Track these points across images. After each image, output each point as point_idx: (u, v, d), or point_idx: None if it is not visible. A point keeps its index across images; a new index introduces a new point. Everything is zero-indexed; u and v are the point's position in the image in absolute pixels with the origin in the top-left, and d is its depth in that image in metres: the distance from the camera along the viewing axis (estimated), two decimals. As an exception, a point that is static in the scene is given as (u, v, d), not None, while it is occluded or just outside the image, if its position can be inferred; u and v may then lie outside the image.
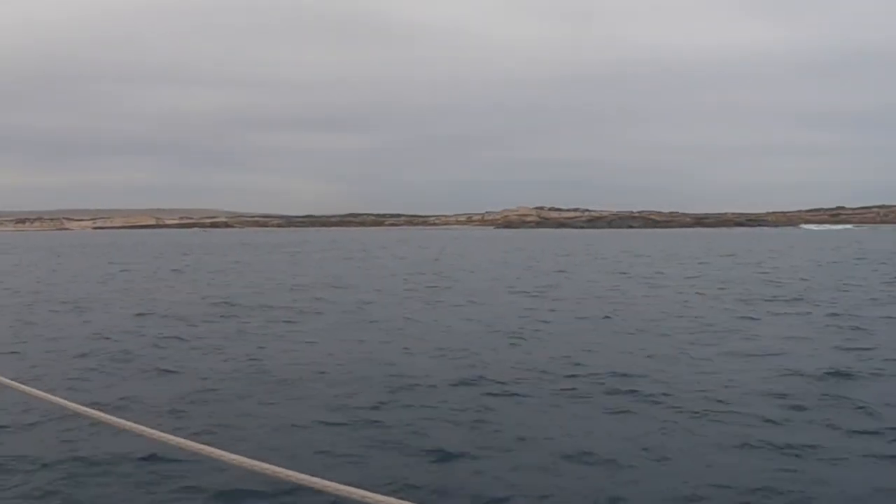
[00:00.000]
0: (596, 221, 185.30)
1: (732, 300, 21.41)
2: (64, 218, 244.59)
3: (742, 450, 7.75)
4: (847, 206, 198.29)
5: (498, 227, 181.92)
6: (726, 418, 8.90)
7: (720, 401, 9.65)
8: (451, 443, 8.01)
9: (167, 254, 59.43)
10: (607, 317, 17.89)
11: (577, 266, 39.64)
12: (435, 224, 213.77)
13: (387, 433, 8.40)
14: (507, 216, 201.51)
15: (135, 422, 3.86)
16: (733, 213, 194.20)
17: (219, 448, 3.38)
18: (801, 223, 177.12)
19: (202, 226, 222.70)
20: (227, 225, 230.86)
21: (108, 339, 15.00)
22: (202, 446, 3.43)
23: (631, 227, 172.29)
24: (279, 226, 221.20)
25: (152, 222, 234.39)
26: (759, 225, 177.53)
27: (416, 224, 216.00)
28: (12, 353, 13.61)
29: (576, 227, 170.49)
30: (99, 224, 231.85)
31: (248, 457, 3.22)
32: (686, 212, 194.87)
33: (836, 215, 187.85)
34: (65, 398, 4.36)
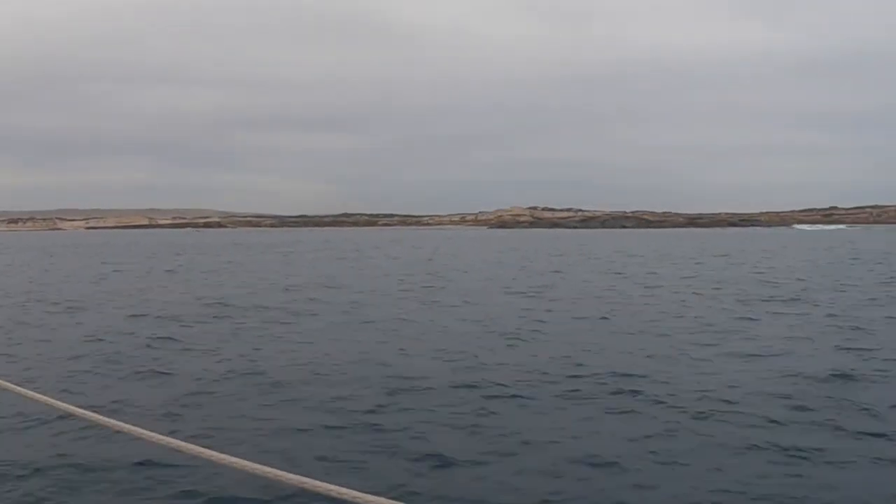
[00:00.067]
0: (589, 221, 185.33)
1: (730, 300, 21.32)
2: (57, 218, 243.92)
3: (748, 453, 7.64)
4: (840, 206, 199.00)
5: (491, 227, 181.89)
6: (731, 419, 8.80)
7: (724, 401, 9.55)
8: (451, 446, 7.88)
9: (160, 254, 59.21)
10: (604, 317, 17.78)
11: (571, 266, 39.55)
12: (428, 224, 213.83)
13: (385, 437, 8.27)
14: (500, 216, 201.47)
15: (129, 424, 3.78)
16: (726, 213, 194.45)
17: (215, 451, 3.30)
18: (794, 223, 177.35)
19: (195, 226, 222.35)
20: (220, 225, 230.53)
21: (101, 340, 14.85)
22: (201, 449, 3.35)
23: (624, 227, 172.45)
24: (272, 226, 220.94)
25: (145, 222, 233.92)
26: (753, 225, 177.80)
27: (410, 224, 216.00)
28: (4, 354, 13.44)
29: (569, 227, 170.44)
30: (92, 224, 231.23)
31: (246, 460, 3.15)
32: (679, 212, 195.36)
33: (829, 215, 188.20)
34: (58, 399, 4.27)
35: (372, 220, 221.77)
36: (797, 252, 54.38)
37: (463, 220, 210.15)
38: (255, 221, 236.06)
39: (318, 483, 2.90)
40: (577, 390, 10.24)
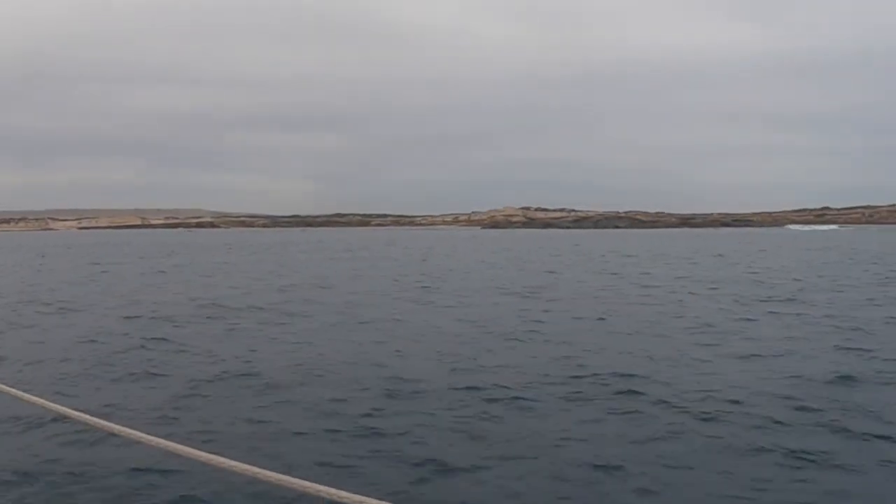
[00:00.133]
0: (582, 222, 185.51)
1: (727, 301, 21.22)
2: (49, 218, 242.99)
3: (755, 456, 7.50)
4: (832, 206, 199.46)
5: (484, 228, 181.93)
6: (736, 420, 8.69)
7: (728, 402, 9.44)
8: (450, 450, 7.75)
9: (153, 254, 58.93)
10: (602, 318, 17.65)
11: (566, 266, 39.45)
12: (421, 224, 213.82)
13: (383, 440, 8.13)
14: (493, 216, 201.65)
15: (123, 426, 3.72)
16: (719, 214, 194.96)
17: (211, 454, 3.26)
18: (786, 223, 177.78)
19: (187, 226, 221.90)
20: (212, 225, 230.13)
21: (94, 341, 14.66)
22: (197, 452, 3.30)
23: (617, 227, 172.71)
24: (265, 226, 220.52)
25: (138, 222, 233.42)
26: (745, 225, 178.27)
27: (403, 224, 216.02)
28: (-5, 355, 13.25)
29: (562, 228, 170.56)
30: (84, 224, 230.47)
31: (244, 462, 3.10)
32: (672, 212, 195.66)
33: (821, 216, 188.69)
34: (51, 401, 4.19)
35: (365, 221, 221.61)
36: (791, 252, 54.40)
37: (456, 221, 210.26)
38: (248, 221, 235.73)
39: (319, 487, 2.84)
40: (578, 392, 10.11)
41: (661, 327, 16.07)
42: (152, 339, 14.79)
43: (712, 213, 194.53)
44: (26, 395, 4.20)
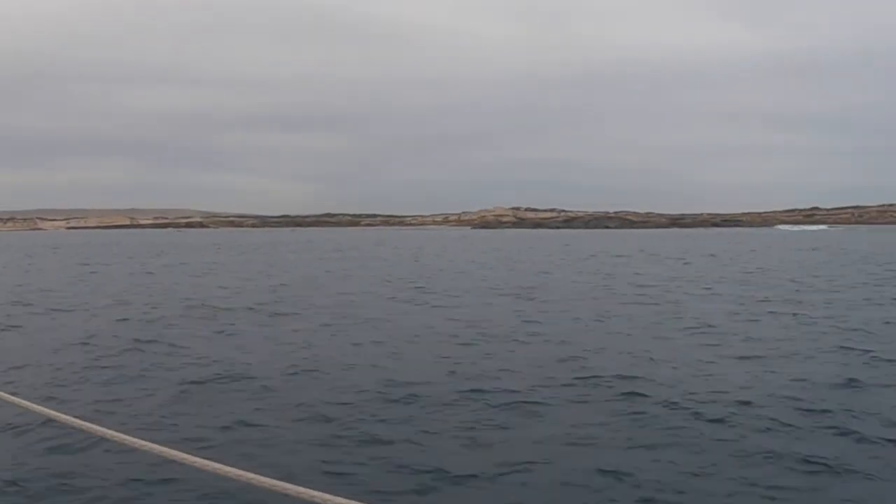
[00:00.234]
0: (572, 222, 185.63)
1: (725, 301, 21.10)
2: (37, 218, 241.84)
3: (766, 462, 7.31)
4: (821, 206, 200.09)
5: (474, 228, 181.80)
6: (744, 423, 8.53)
7: (735, 404, 9.29)
8: (450, 456, 7.54)
9: (142, 254, 58.59)
10: (599, 319, 17.49)
11: (558, 267, 39.33)
12: (411, 224, 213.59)
13: (381, 446, 7.91)
14: (483, 216, 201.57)
15: (114, 430, 3.63)
16: (708, 214, 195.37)
17: (205, 459, 3.18)
18: (776, 223, 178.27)
19: (177, 226, 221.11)
20: (201, 225, 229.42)
21: (84, 343, 14.40)
22: (189, 457, 3.22)
23: (607, 227, 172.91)
24: (254, 226, 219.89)
25: (126, 222, 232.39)
26: (735, 225, 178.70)
27: (393, 224, 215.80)
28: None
29: (552, 228, 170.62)
30: (73, 224, 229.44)
31: (238, 468, 3.03)
32: (662, 212, 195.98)
33: (810, 216, 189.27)
34: (40, 405, 4.06)
35: (355, 221, 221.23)
36: (783, 252, 54.44)
37: (446, 221, 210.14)
38: (237, 221, 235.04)
39: (315, 493, 2.76)
40: (582, 394, 9.91)
41: (661, 328, 15.93)
42: (143, 340, 14.55)
43: (702, 214, 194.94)
44: (13, 398, 4.09)
